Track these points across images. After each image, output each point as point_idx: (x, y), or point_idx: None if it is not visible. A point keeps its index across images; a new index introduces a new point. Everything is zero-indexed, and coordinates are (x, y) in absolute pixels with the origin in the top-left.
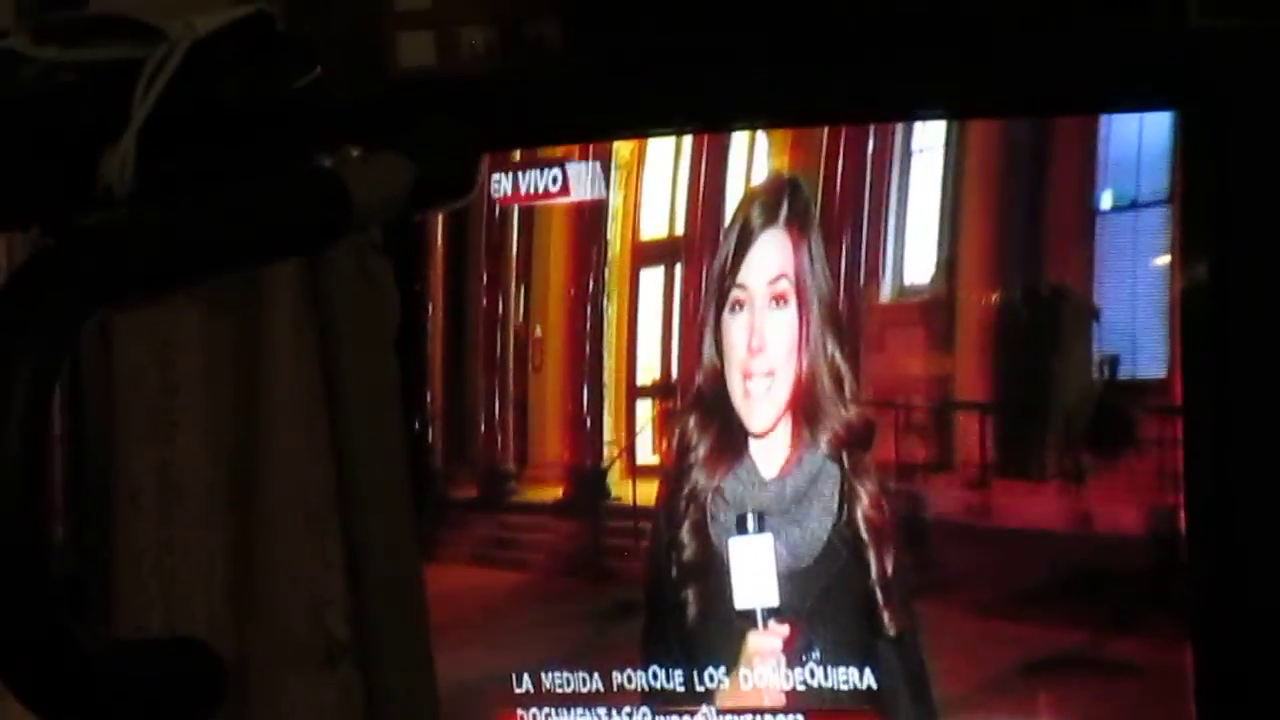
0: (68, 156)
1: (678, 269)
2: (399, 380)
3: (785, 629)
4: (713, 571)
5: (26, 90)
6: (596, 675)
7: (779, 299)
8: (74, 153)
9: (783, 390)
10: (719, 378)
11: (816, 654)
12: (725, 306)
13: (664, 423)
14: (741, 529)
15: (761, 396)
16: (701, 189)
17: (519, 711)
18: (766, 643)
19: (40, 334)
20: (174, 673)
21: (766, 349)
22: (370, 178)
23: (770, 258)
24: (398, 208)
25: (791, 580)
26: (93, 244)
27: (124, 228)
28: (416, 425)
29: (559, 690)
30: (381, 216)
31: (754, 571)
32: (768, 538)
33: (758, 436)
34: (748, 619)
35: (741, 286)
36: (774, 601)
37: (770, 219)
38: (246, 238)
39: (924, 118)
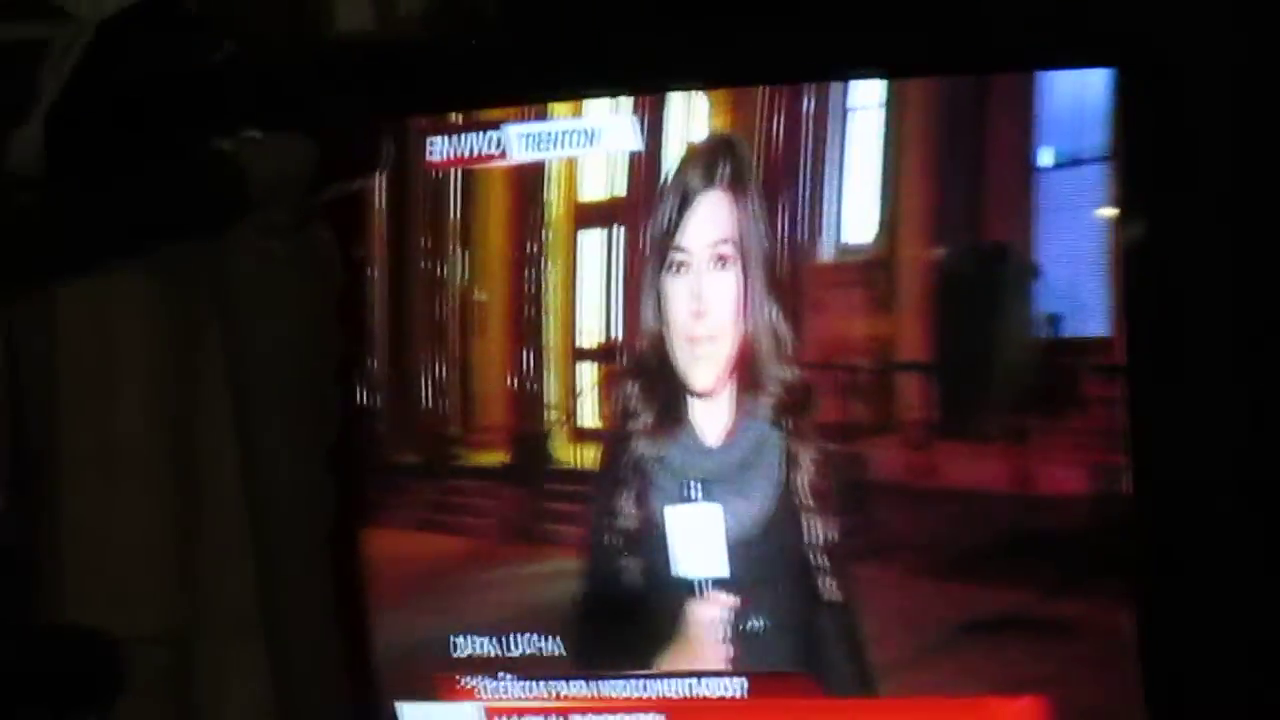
0: None
1: (617, 230)
2: (323, 357)
3: (729, 597)
4: (655, 539)
5: None
6: (532, 641)
7: (721, 260)
8: None
9: (725, 350)
10: (660, 341)
11: (759, 620)
12: (665, 268)
13: (606, 387)
14: (684, 497)
15: (705, 357)
16: (641, 150)
17: (457, 676)
18: (709, 611)
19: None
20: (65, 664)
21: (709, 312)
22: (270, 158)
23: (711, 220)
24: (300, 187)
25: (737, 550)
26: None
27: (20, 218)
28: (360, 391)
29: (494, 656)
30: (283, 196)
31: (699, 541)
32: (716, 507)
33: (700, 396)
34: (689, 588)
35: (682, 249)
36: (724, 572)
37: (709, 180)
38: (144, 222)
39: (860, 76)
